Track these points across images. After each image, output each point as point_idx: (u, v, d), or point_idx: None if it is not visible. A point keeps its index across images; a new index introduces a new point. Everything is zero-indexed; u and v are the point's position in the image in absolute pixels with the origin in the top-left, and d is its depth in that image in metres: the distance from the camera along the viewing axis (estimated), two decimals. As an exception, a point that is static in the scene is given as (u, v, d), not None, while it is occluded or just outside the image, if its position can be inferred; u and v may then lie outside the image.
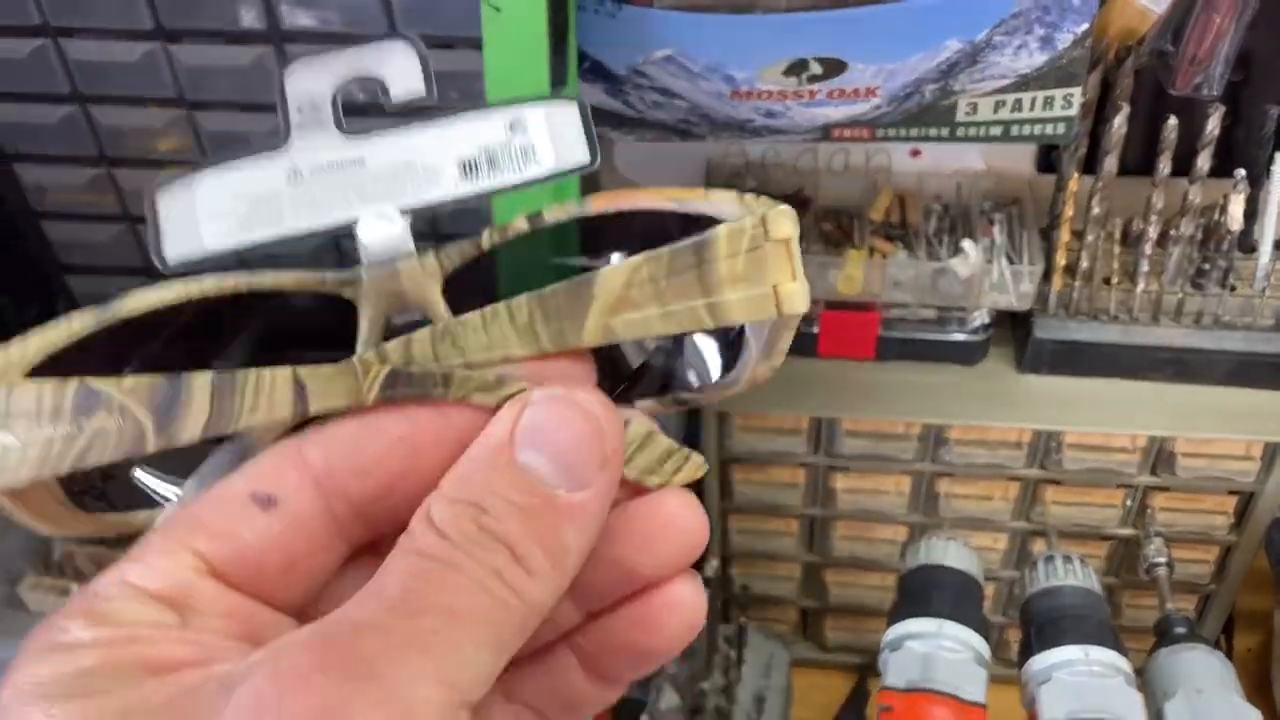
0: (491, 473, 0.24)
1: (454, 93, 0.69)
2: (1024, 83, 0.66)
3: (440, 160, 0.26)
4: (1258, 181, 0.74)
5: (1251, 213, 0.75)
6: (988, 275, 0.76)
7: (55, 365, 0.25)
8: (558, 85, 0.58)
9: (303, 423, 0.25)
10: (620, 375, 0.30)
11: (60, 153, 0.76)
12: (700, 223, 0.26)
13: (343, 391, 0.25)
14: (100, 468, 0.26)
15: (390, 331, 0.27)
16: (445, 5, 0.65)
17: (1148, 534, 0.80)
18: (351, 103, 0.27)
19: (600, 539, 0.25)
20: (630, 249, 0.27)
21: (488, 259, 0.27)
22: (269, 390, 0.24)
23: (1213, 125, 0.72)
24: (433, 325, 0.26)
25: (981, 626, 0.70)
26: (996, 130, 0.69)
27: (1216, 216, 0.76)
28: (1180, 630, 0.73)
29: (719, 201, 0.26)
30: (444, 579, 0.22)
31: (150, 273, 0.81)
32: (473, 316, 0.25)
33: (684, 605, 0.26)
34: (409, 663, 0.21)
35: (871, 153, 0.82)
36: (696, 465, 0.27)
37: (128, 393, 0.24)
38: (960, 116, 0.68)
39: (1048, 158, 0.81)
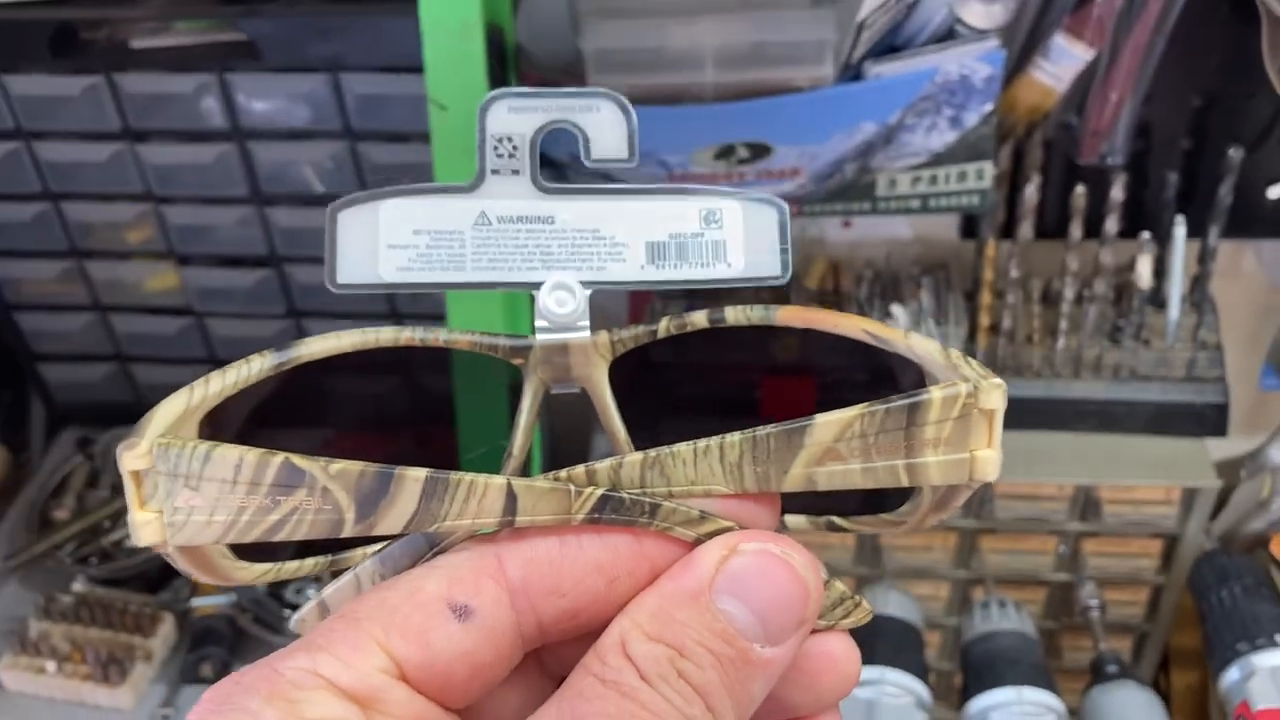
0: (692, 615, 0.24)
1: (407, 182, 0.73)
2: (937, 159, 0.71)
3: (628, 236, 0.26)
4: (1163, 242, 0.79)
5: (1160, 271, 0.80)
6: (917, 337, 0.81)
7: (231, 408, 0.25)
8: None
9: None
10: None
11: (32, 247, 0.80)
12: (896, 362, 0.26)
13: (552, 509, 0.25)
14: None
15: (549, 400, 0.27)
16: (396, 102, 0.69)
17: (1080, 578, 0.84)
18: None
19: None
20: (810, 371, 0.27)
21: (658, 348, 0.27)
22: (480, 497, 0.24)
23: (1117, 191, 0.77)
24: (644, 453, 0.25)
25: (923, 672, 0.74)
26: (915, 203, 0.74)
27: (1129, 275, 0.81)
28: (1112, 669, 0.76)
29: (920, 349, 0.26)
30: (647, 714, 0.23)
31: (119, 359, 0.84)
32: (684, 448, 0.25)
33: None
34: None
35: (806, 225, 0.87)
36: (864, 612, 0.27)
37: (333, 477, 0.24)
38: (881, 191, 0.73)
39: (971, 224, 0.86)
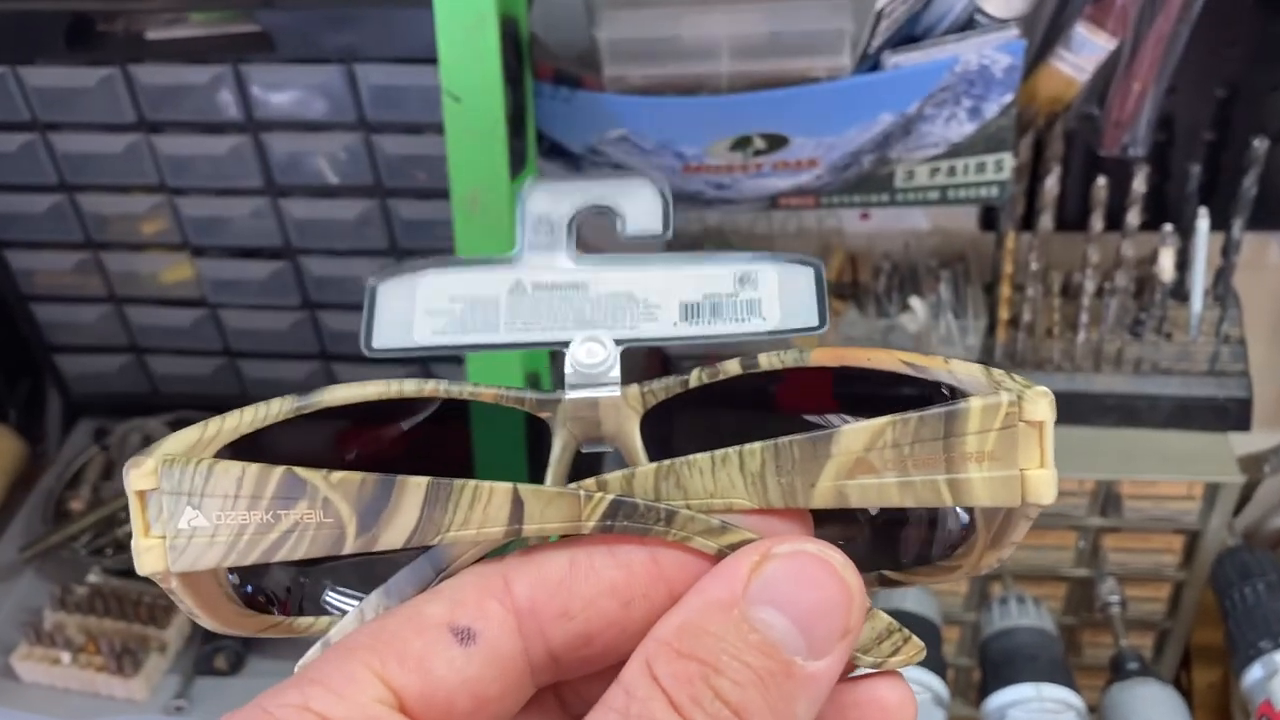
0: (725, 628, 0.22)
1: (421, 174, 0.73)
2: (956, 150, 0.70)
3: (662, 299, 0.26)
4: (1186, 234, 0.78)
5: (1182, 264, 0.79)
6: (935, 330, 0.80)
7: (246, 447, 0.24)
8: (518, 167, 0.62)
9: (502, 547, 0.24)
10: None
11: (48, 239, 0.80)
12: (938, 391, 0.25)
13: (561, 515, 0.23)
14: (281, 566, 0.26)
15: (579, 460, 0.26)
16: (411, 94, 0.69)
17: (1100, 574, 0.83)
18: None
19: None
20: (849, 410, 0.26)
21: (692, 398, 0.26)
22: (485, 504, 0.23)
23: (1140, 183, 0.76)
24: (657, 464, 0.24)
25: (941, 668, 0.73)
26: (934, 194, 0.73)
27: (1151, 268, 0.80)
28: (1133, 666, 0.76)
29: (961, 372, 0.25)
30: None
31: (134, 350, 0.84)
32: (702, 457, 0.24)
33: None
34: None
35: (823, 216, 0.86)
36: (915, 649, 0.24)
37: (335, 486, 0.23)
38: (899, 183, 0.72)
39: (990, 216, 0.85)
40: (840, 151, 0.68)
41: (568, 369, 0.25)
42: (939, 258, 0.85)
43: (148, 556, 0.23)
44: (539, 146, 0.68)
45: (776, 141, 0.67)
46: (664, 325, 0.26)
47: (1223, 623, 0.77)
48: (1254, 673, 0.71)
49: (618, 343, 0.25)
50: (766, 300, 0.26)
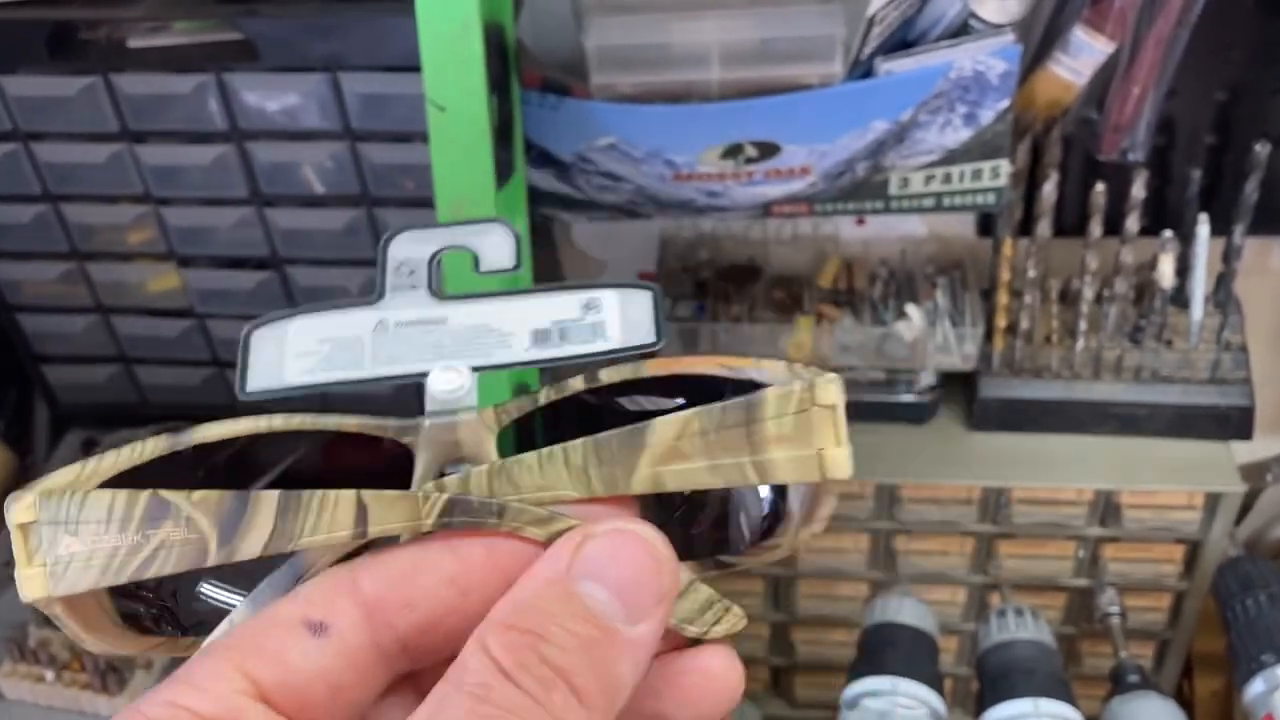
0: (551, 602, 0.24)
1: (410, 183, 0.72)
2: (951, 157, 0.69)
3: (515, 327, 0.28)
4: (1187, 240, 0.77)
5: (1183, 270, 0.78)
6: (932, 338, 0.79)
7: (124, 484, 0.26)
8: (504, 176, 0.61)
9: (356, 551, 0.26)
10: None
11: (33, 249, 0.79)
12: (749, 387, 0.27)
13: (402, 516, 0.25)
14: (157, 588, 0.27)
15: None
16: (397, 102, 0.68)
17: (1100, 584, 0.82)
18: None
19: (640, 690, 0.24)
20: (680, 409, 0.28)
21: (544, 414, 0.28)
22: (331, 510, 0.25)
23: (1139, 188, 0.75)
24: (490, 463, 0.26)
25: (937, 682, 0.72)
26: (929, 202, 0.72)
27: (1151, 274, 0.78)
28: (1133, 679, 0.74)
29: (768, 368, 0.28)
30: (500, 713, 0.22)
31: (122, 360, 0.83)
32: (529, 456, 0.26)
33: None
34: None
35: (819, 222, 0.85)
36: (736, 618, 0.27)
37: (196, 504, 0.25)
38: (893, 190, 0.71)
39: (988, 221, 0.84)
40: (833, 159, 0.67)
41: (427, 399, 0.27)
42: (936, 264, 0.84)
43: (30, 584, 0.25)
44: (527, 155, 0.67)
45: (768, 149, 0.66)
46: (517, 351, 0.28)
47: (1225, 634, 0.76)
48: (1256, 686, 0.70)
49: (474, 370, 0.27)
50: (610, 323, 0.28)
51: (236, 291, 0.78)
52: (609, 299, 0.29)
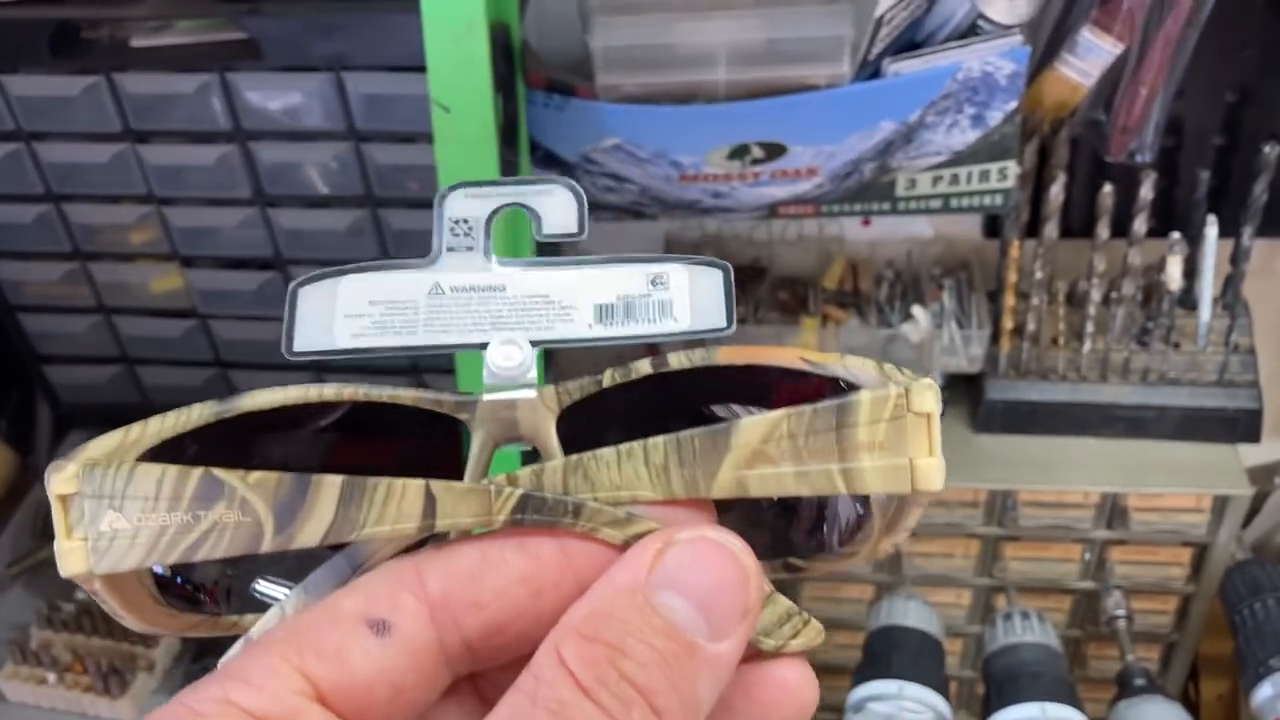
0: (630, 612, 0.23)
1: (414, 184, 0.71)
2: (959, 158, 0.68)
3: (576, 299, 0.27)
4: (1195, 241, 0.76)
5: (1190, 272, 0.78)
6: (938, 340, 0.79)
7: (169, 452, 0.25)
8: (509, 177, 0.61)
9: (418, 543, 0.25)
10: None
11: (35, 249, 0.78)
12: (835, 386, 0.26)
13: (473, 510, 0.24)
14: (201, 567, 0.26)
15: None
16: (402, 102, 0.68)
17: (1107, 587, 0.82)
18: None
19: (717, 703, 0.23)
20: (753, 404, 0.27)
21: (607, 397, 0.27)
22: (398, 500, 0.24)
23: (1147, 190, 0.74)
24: (565, 459, 0.25)
25: (943, 685, 0.72)
26: (936, 203, 0.71)
27: (1158, 276, 0.78)
28: (1140, 682, 0.74)
29: (856, 368, 0.26)
30: None
31: (125, 361, 0.82)
32: (608, 452, 0.25)
33: None
34: None
35: (824, 223, 0.85)
36: (815, 631, 0.25)
37: (252, 487, 0.23)
38: (900, 191, 0.71)
39: (995, 223, 0.84)
40: (840, 160, 0.67)
41: (485, 373, 0.26)
42: (942, 265, 0.84)
43: (70, 559, 0.24)
44: (532, 155, 0.67)
45: (775, 150, 0.66)
46: (579, 326, 0.27)
47: (1233, 637, 0.76)
48: (1264, 691, 0.70)
49: (534, 344, 0.26)
50: (678, 302, 0.27)
51: (239, 292, 0.78)
52: (677, 274, 0.27)
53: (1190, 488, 0.78)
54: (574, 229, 0.27)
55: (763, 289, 0.83)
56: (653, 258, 0.27)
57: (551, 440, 0.26)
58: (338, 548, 0.25)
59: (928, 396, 0.25)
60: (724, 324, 0.27)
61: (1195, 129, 0.76)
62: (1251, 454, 0.80)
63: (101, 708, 0.70)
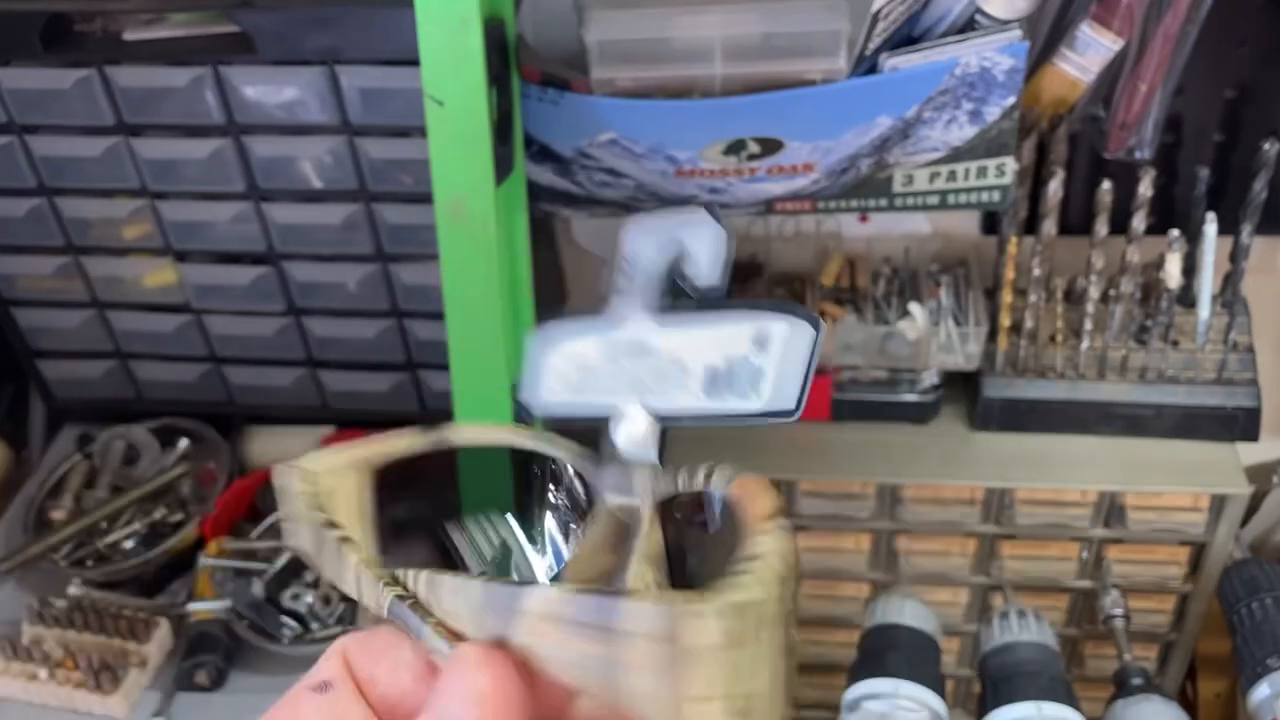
0: None
1: (408, 178, 0.71)
2: (956, 154, 0.68)
3: (694, 361, 0.28)
4: (1194, 239, 0.76)
5: (1189, 269, 0.77)
6: (935, 337, 0.78)
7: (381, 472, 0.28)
8: (504, 172, 0.60)
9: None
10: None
11: (28, 243, 0.78)
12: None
13: (373, 598, 0.27)
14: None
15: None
16: (397, 96, 0.67)
17: (1104, 586, 0.81)
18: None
19: None
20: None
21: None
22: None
23: (1146, 186, 0.74)
24: (421, 570, 0.27)
25: (938, 684, 0.71)
26: (934, 199, 0.71)
27: (1157, 273, 0.78)
28: (1137, 681, 0.74)
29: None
30: None
31: (118, 355, 0.82)
32: (449, 578, 0.26)
33: None
34: None
35: (821, 219, 0.85)
36: None
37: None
38: (897, 187, 0.70)
39: (993, 219, 0.83)
40: (837, 156, 0.66)
41: (617, 441, 0.28)
42: (940, 262, 0.83)
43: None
44: (527, 150, 0.66)
45: (771, 145, 0.65)
46: (688, 398, 0.28)
47: (1230, 636, 0.75)
48: (1261, 690, 0.69)
49: (656, 418, 0.28)
50: (768, 371, 0.27)
51: (233, 287, 0.78)
52: (778, 333, 0.27)
53: (1188, 486, 0.77)
54: (713, 280, 0.28)
55: (759, 285, 0.83)
56: (759, 306, 0.27)
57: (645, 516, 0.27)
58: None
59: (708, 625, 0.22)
60: (792, 407, 0.27)
61: (1194, 125, 0.75)
62: (1250, 452, 0.79)
63: (94, 704, 0.69)
